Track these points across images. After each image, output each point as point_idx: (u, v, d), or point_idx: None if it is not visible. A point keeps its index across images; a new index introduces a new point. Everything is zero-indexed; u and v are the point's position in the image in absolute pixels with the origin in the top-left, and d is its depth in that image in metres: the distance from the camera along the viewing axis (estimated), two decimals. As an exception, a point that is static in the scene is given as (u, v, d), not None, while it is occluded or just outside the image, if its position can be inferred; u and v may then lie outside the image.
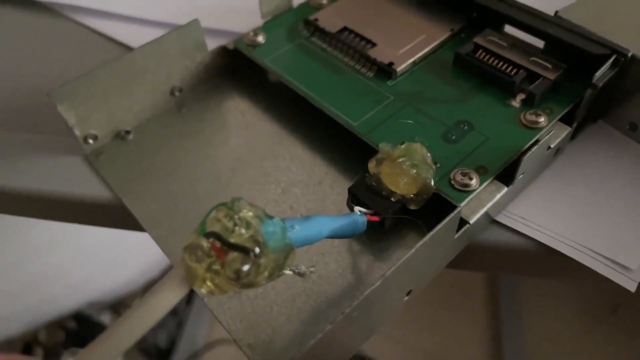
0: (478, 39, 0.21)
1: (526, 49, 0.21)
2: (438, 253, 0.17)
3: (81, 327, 0.58)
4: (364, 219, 0.16)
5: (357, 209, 0.17)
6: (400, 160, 0.17)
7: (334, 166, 0.20)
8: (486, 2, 0.22)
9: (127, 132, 0.22)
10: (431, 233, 0.15)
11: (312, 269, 0.15)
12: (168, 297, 0.13)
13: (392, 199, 0.17)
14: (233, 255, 0.13)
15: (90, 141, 0.21)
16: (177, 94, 0.23)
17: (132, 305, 0.12)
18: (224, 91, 0.24)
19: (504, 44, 0.21)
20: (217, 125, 0.23)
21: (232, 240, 0.13)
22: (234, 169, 0.21)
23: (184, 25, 0.22)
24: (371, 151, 0.18)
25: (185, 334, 0.69)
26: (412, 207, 0.17)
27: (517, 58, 0.20)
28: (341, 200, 0.19)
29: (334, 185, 0.20)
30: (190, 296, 0.73)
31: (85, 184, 0.20)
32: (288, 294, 0.17)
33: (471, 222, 0.17)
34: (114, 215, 0.20)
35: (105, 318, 0.61)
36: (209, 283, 0.13)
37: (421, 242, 0.15)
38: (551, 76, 0.20)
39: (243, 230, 0.13)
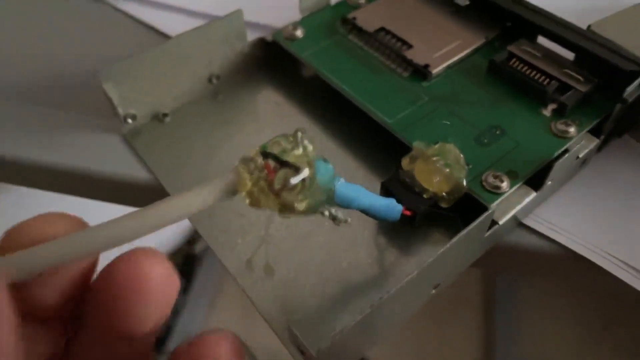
0: (512, 48, 0.22)
1: (559, 61, 0.21)
2: (467, 250, 0.17)
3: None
4: (400, 208, 0.17)
5: (390, 201, 0.17)
6: (434, 159, 0.18)
7: (365, 162, 0.21)
8: (521, 12, 0.23)
9: (165, 115, 0.23)
10: (465, 231, 0.15)
11: (349, 219, 0.15)
12: (216, 192, 0.13)
13: (425, 196, 0.18)
14: (284, 172, 0.13)
15: (130, 120, 0.22)
16: (214, 81, 0.24)
17: (180, 192, 0.13)
18: (259, 82, 0.24)
19: (538, 54, 0.21)
20: (251, 115, 0.23)
21: (287, 158, 0.13)
22: (267, 157, 0.21)
23: (228, 14, 0.22)
24: (402, 150, 0.19)
25: (180, 322, 0.69)
26: (443, 205, 0.18)
27: (550, 69, 0.21)
28: (372, 195, 0.20)
29: (365, 181, 0.20)
30: (187, 285, 0.73)
31: (122, 163, 0.21)
32: (318, 279, 0.18)
33: (500, 222, 0.17)
34: (150, 195, 0.21)
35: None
36: (252, 195, 0.14)
37: (456, 239, 0.15)
38: (583, 89, 0.20)
39: (300, 151, 0.14)
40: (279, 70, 0.25)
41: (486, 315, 0.68)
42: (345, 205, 0.15)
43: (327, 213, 0.15)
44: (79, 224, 0.12)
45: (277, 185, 0.13)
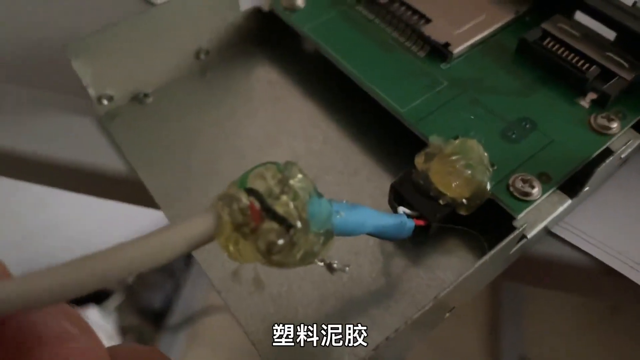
0: (547, 25, 0.19)
1: (600, 42, 0.18)
2: (488, 270, 0.15)
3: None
4: (412, 224, 0.14)
5: (401, 209, 0.15)
6: (453, 158, 0.15)
7: (372, 155, 0.18)
8: (558, -17, 0.19)
9: (146, 95, 0.20)
10: (491, 253, 0.13)
11: (346, 268, 0.13)
12: (186, 242, 0.10)
13: (441, 202, 0.15)
14: (270, 224, 0.11)
15: (105, 102, 0.19)
16: (202, 57, 0.21)
17: (143, 237, 0.10)
18: (254, 58, 0.21)
19: (576, 34, 0.18)
20: (243, 96, 0.20)
21: (276, 207, 0.11)
22: (260, 147, 0.19)
23: (218, -20, 0.19)
24: (417, 143, 0.16)
25: (181, 297, 0.68)
26: (462, 213, 0.15)
27: (591, 51, 0.18)
28: (379, 195, 0.17)
29: (372, 177, 0.18)
30: (189, 258, 0.72)
31: (96, 151, 0.18)
32: (315, 296, 0.15)
33: (529, 236, 0.15)
34: (126, 188, 0.18)
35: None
36: (231, 245, 0.11)
37: (480, 262, 0.13)
38: (628, 76, 0.17)
39: (290, 201, 0.11)
40: (276, 45, 0.22)
41: (492, 296, 0.67)
42: (349, 235, 0.13)
43: (320, 263, 0.12)
44: None
45: (262, 247, 0.11)
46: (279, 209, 0.11)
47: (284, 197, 0.11)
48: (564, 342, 0.63)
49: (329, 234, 0.12)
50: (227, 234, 0.11)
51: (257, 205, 0.11)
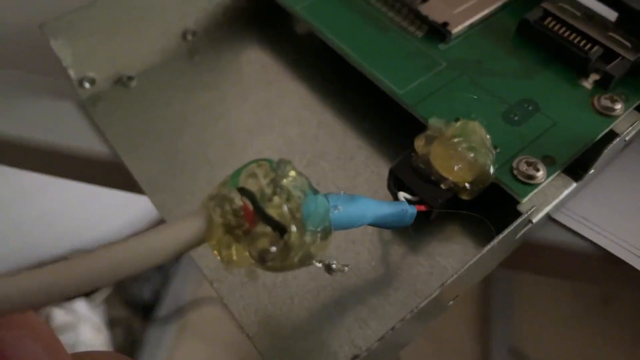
0: (547, 5, 0.18)
1: (603, 23, 0.18)
2: (494, 255, 0.14)
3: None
4: (414, 211, 0.14)
5: (401, 194, 0.14)
6: (455, 140, 0.15)
7: (369, 140, 0.18)
8: (558, -39, 0.19)
9: (130, 78, 0.19)
10: (499, 237, 0.12)
11: (345, 268, 0.13)
12: (174, 245, 0.10)
13: (443, 186, 0.14)
14: (263, 229, 0.10)
15: (87, 85, 0.18)
16: (190, 38, 0.20)
17: (130, 239, 0.10)
18: (244, 39, 0.21)
19: (578, 14, 0.18)
20: (233, 79, 0.20)
21: (268, 210, 0.10)
22: (252, 132, 0.18)
23: (205, -44, 0.18)
24: (416, 126, 0.16)
25: (171, 289, 0.67)
26: (464, 198, 0.15)
27: (593, 32, 0.17)
28: (376, 180, 0.17)
29: (369, 162, 0.17)
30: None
31: (78, 135, 0.18)
32: (312, 286, 0.15)
33: (534, 221, 0.14)
34: (110, 173, 0.17)
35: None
36: (223, 249, 0.11)
37: (488, 247, 0.12)
38: (631, 57, 0.17)
39: (283, 202, 0.10)
40: (268, 26, 0.21)
41: (483, 288, 0.67)
42: (348, 228, 0.12)
43: (318, 264, 0.12)
44: None
45: (254, 255, 0.10)
46: (272, 212, 0.10)
47: (277, 199, 0.10)
48: (555, 332, 0.63)
49: (327, 231, 0.11)
50: (219, 236, 0.10)
51: (250, 206, 0.10)
